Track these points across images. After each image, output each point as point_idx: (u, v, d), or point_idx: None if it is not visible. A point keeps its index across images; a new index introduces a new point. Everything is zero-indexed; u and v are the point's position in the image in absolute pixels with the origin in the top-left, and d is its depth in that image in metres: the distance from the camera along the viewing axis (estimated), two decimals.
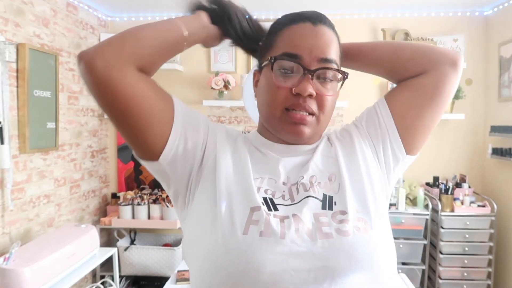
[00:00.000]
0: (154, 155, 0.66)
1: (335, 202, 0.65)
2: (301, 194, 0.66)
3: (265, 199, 0.65)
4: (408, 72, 0.75)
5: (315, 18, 0.69)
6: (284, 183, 0.68)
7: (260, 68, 0.75)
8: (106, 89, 0.60)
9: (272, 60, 0.68)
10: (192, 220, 0.67)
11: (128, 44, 0.62)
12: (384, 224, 0.66)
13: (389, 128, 0.73)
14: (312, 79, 0.66)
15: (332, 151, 0.74)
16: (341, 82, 0.71)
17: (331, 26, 0.71)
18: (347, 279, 0.58)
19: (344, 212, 0.63)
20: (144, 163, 0.69)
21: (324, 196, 0.66)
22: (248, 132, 0.80)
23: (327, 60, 0.67)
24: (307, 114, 0.68)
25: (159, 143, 0.65)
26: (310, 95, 0.66)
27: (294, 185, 0.68)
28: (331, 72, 0.68)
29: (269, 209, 0.63)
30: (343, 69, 0.72)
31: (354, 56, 0.78)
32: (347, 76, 0.70)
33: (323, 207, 0.64)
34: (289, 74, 0.67)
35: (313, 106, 0.67)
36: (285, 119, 0.68)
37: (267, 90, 0.70)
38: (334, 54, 0.69)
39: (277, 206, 0.64)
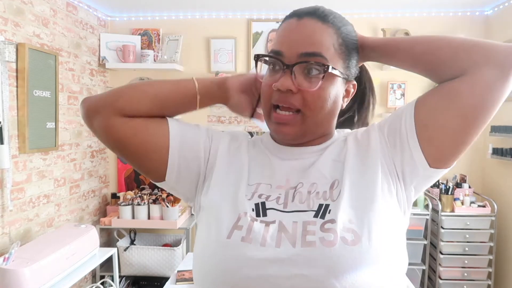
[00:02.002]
0: (160, 178, 0.72)
1: (329, 211, 0.61)
2: (296, 205, 0.64)
3: (257, 204, 0.65)
4: (446, 75, 0.64)
5: (303, 12, 0.67)
6: (280, 186, 0.67)
7: None
8: (100, 131, 0.70)
9: (255, 58, 0.70)
10: (198, 226, 0.71)
11: (123, 96, 0.70)
12: (385, 238, 0.59)
13: (410, 137, 0.65)
14: (292, 74, 0.64)
15: (342, 155, 0.69)
16: (325, 75, 0.65)
17: (322, 17, 0.66)
18: None
19: (333, 221, 0.59)
20: (157, 184, 0.74)
21: (320, 205, 0.63)
22: (255, 132, 0.80)
23: (307, 54, 0.64)
24: (290, 112, 0.66)
25: (160, 168, 0.70)
26: (291, 91, 0.64)
27: (292, 189, 0.67)
28: (316, 66, 0.64)
29: (258, 215, 0.63)
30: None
31: (391, 53, 0.71)
32: (327, 68, 0.64)
33: (315, 216, 0.61)
34: (275, 70, 0.67)
35: (297, 102, 0.65)
36: (271, 119, 0.69)
37: (262, 88, 0.71)
38: (319, 46, 0.64)
39: (268, 211, 0.64)
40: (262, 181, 0.69)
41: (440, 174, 0.67)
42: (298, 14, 0.67)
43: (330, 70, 0.65)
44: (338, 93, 0.69)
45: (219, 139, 0.75)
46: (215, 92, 0.74)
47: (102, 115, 0.68)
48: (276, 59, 0.66)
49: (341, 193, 0.63)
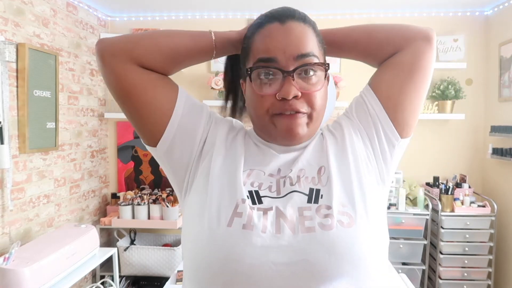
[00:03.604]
0: (153, 142, 0.71)
1: (321, 195, 0.64)
2: (287, 188, 0.66)
3: (250, 192, 0.66)
4: (384, 53, 0.75)
5: (281, 15, 0.68)
6: (271, 175, 0.69)
7: (244, 78, 0.75)
8: (110, 76, 0.69)
9: (249, 72, 0.68)
10: (186, 211, 0.70)
11: (141, 46, 0.69)
12: (373, 217, 0.64)
13: (379, 113, 0.72)
14: (293, 79, 0.65)
15: (323, 145, 0.73)
16: (324, 73, 0.69)
17: (302, 18, 0.69)
18: (327, 274, 0.57)
19: (329, 207, 0.62)
20: (146, 147, 0.74)
21: (311, 190, 0.65)
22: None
23: (303, 56, 0.65)
24: (297, 113, 0.67)
25: (157, 131, 0.70)
26: (296, 97, 0.65)
27: (282, 178, 0.68)
28: (316, 67, 0.67)
29: (253, 202, 0.64)
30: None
31: (329, 42, 0.76)
32: (328, 67, 0.68)
33: (309, 201, 0.64)
34: (270, 79, 0.67)
35: (301, 105, 0.66)
36: (276, 124, 0.68)
37: (253, 100, 0.70)
38: (310, 46, 0.67)
39: (262, 198, 0.65)
40: (255, 168, 0.70)
41: (405, 144, 0.75)
42: (278, 18, 0.68)
43: (328, 68, 0.68)
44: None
45: (219, 124, 0.75)
46: (233, 40, 0.74)
47: (118, 59, 0.67)
48: (273, 67, 0.66)
49: (329, 178, 0.67)
